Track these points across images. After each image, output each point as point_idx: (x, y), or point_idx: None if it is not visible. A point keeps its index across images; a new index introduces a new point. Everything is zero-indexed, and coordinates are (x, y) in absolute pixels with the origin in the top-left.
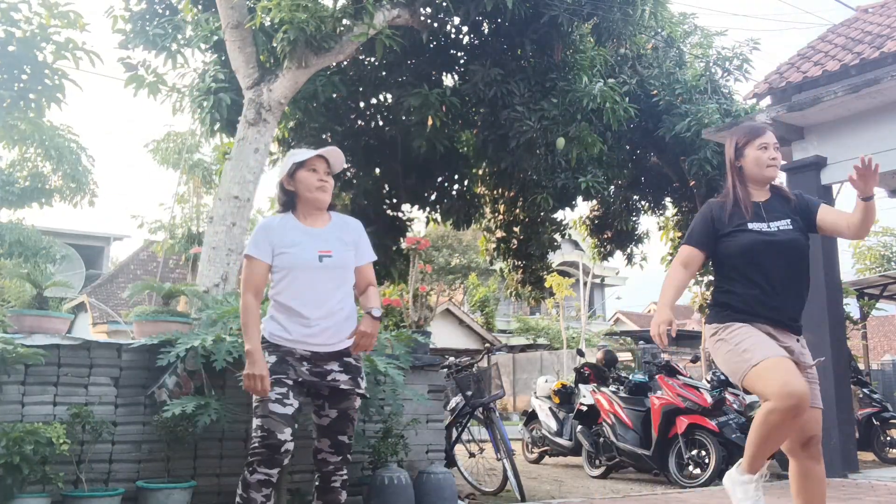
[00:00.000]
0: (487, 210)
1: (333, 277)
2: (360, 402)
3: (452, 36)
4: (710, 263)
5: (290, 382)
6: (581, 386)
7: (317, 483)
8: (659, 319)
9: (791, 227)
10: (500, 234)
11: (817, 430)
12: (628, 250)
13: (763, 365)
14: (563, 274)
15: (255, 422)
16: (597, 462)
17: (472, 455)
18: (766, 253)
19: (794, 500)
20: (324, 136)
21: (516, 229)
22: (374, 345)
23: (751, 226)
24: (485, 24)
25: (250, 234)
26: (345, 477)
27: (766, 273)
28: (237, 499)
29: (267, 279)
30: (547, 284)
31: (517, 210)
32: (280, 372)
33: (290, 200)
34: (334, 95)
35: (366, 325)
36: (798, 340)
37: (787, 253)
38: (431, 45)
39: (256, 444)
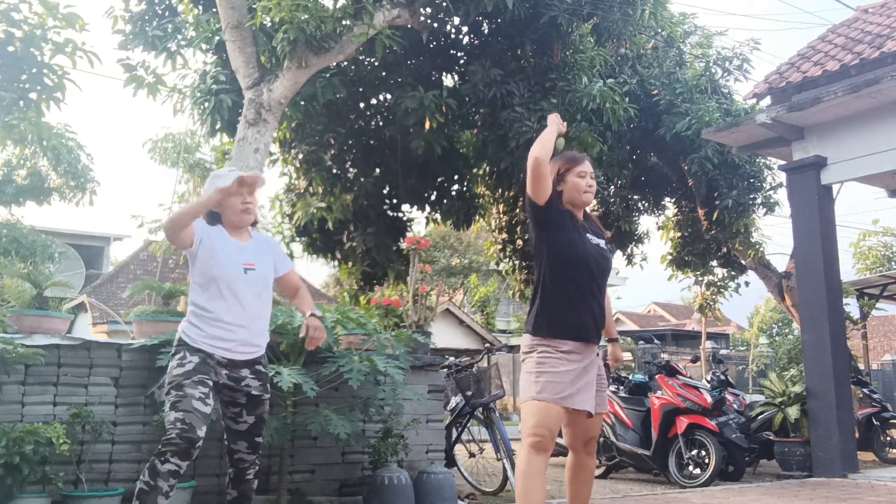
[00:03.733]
0: (494, 210)
1: (255, 289)
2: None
3: (452, 36)
4: (707, 263)
5: (211, 384)
6: None
7: (231, 476)
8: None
9: None
10: (504, 235)
11: (598, 431)
12: (628, 250)
13: None
14: None
15: (175, 414)
16: (597, 462)
17: (472, 455)
18: None
19: (568, 487)
20: (325, 137)
21: (519, 230)
22: (325, 337)
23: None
24: (485, 25)
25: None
26: (257, 467)
27: None
28: (142, 485)
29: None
30: None
31: (518, 210)
32: (203, 372)
33: (215, 219)
34: (334, 96)
35: (311, 321)
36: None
37: None
38: (431, 46)
39: (174, 436)
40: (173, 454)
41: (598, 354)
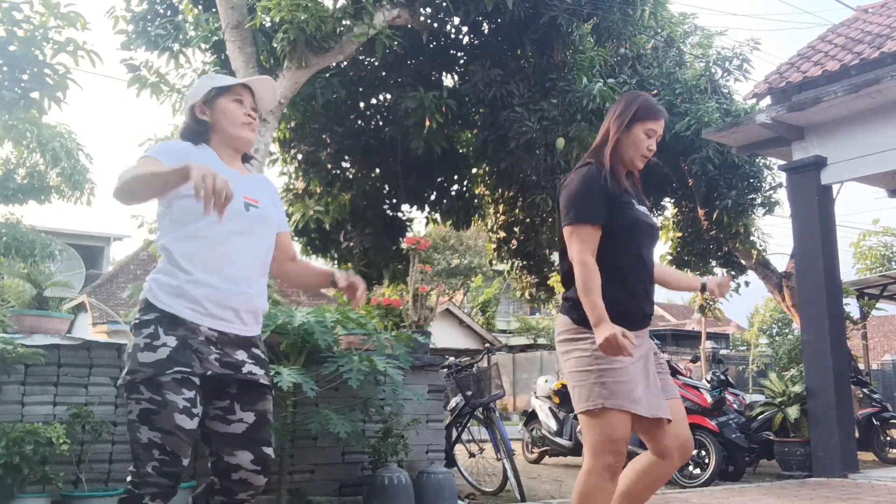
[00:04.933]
0: (491, 210)
1: (257, 234)
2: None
3: (452, 36)
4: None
5: (197, 381)
6: None
7: None
8: (611, 332)
9: None
10: (501, 234)
11: (688, 428)
12: None
13: None
14: None
15: (150, 434)
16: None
17: (472, 455)
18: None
19: (629, 486)
20: (323, 137)
21: (516, 229)
22: (364, 288)
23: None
24: (485, 25)
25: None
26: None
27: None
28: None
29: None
30: (553, 283)
31: (517, 210)
32: (183, 363)
33: (202, 132)
34: (333, 97)
35: (347, 275)
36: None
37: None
38: (431, 46)
39: (151, 472)
40: (153, 497)
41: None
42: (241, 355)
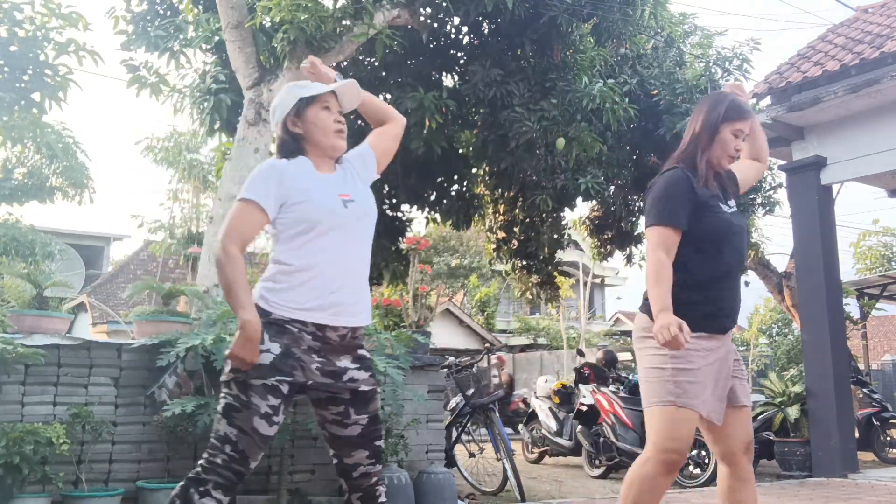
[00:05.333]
0: (490, 210)
1: (357, 227)
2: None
3: (452, 36)
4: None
5: (286, 391)
6: (581, 386)
7: (354, 500)
8: (667, 321)
9: None
10: (501, 234)
11: (751, 429)
12: (628, 250)
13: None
14: (563, 274)
15: (226, 430)
16: (597, 462)
17: (472, 455)
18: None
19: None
20: None
21: (516, 229)
22: None
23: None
24: (485, 25)
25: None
26: (384, 483)
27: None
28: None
29: (257, 235)
30: (560, 284)
31: (517, 210)
32: (284, 371)
33: (298, 147)
34: None
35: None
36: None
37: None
38: (431, 46)
39: (220, 464)
40: (216, 486)
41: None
42: (344, 362)
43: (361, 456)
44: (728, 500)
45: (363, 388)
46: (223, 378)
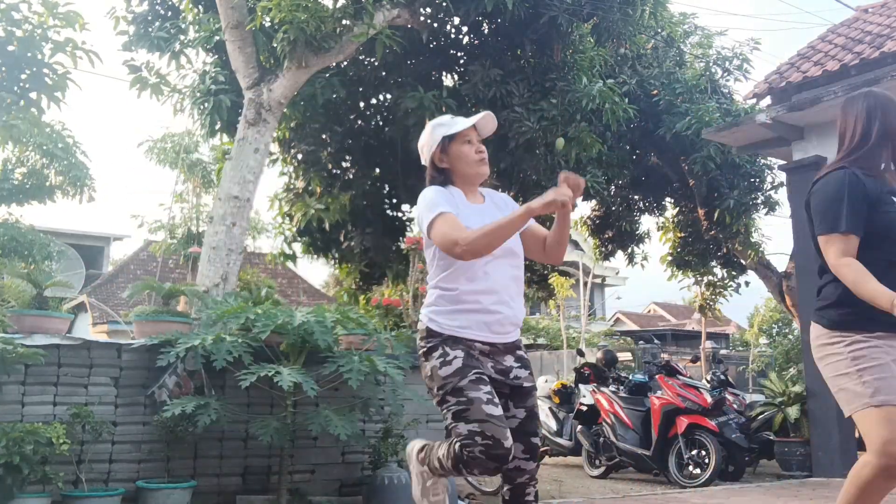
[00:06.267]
0: None
1: (508, 255)
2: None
3: (452, 36)
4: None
5: (488, 379)
6: (581, 386)
7: (506, 497)
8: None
9: None
10: None
11: None
12: (629, 250)
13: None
14: (563, 274)
15: (468, 427)
16: (597, 462)
17: None
18: None
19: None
20: (324, 136)
21: None
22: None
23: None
24: (485, 25)
25: (429, 207)
26: (536, 484)
27: None
28: (436, 462)
29: None
30: (554, 283)
31: None
32: (476, 367)
33: (444, 180)
34: (333, 97)
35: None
36: None
37: None
38: (431, 46)
39: (478, 453)
40: (478, 468)
41: None
42: (508, 360)
43: (517, 449)
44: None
45: (525, 384)
46: (436, 401)
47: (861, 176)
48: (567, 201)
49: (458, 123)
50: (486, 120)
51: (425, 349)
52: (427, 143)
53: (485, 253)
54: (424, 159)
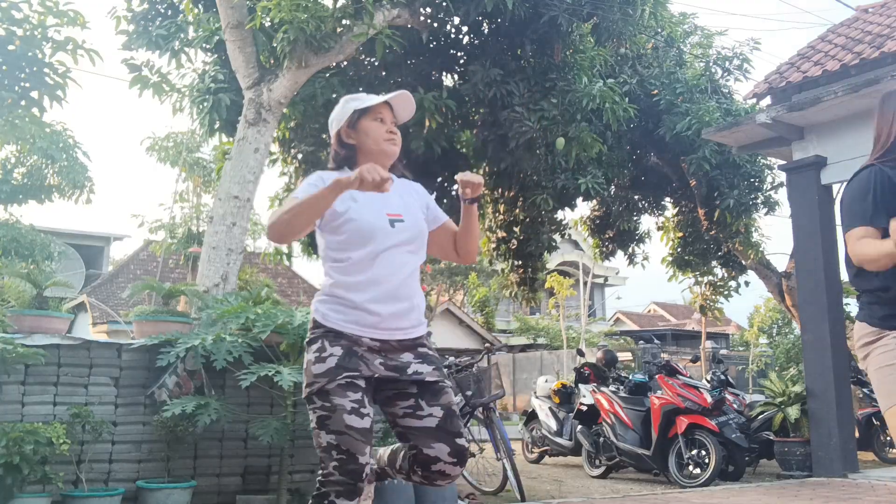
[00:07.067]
0: (489, 210)
1: (406, 247)
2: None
3: (452, 36)
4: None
5: (363, 384)
6: (581, 386)
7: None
8: None
9: None
10: (500, 234)
11: None
12: (630, 250)
13: None
14: (563, 274)
15: (326, 438)
16: (597, 462)
17: (472, 455)
18: None
19: None
20: (324, 136)
21: (516, 229)
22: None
23: None
24: (485, 24)
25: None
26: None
27: None
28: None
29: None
30: (547, 285)
31: (517, 210)
32: (350, 368)
33: (349, 156)
34: (333, 96)
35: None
36: None
37: None
38: (431, 45)
39: (333, 472)
40: (338, 495)
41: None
42: (406, 357)
43: (442, 450)
44: None
45: (429, 379)
46: (304, 396)
47: (889, 171)
48: (380, 180)
49: (372, 99)
50: (401, 99)
51: (307, 340)
52: (337, 117)
53: (289, 234)
54: (332, 133)
